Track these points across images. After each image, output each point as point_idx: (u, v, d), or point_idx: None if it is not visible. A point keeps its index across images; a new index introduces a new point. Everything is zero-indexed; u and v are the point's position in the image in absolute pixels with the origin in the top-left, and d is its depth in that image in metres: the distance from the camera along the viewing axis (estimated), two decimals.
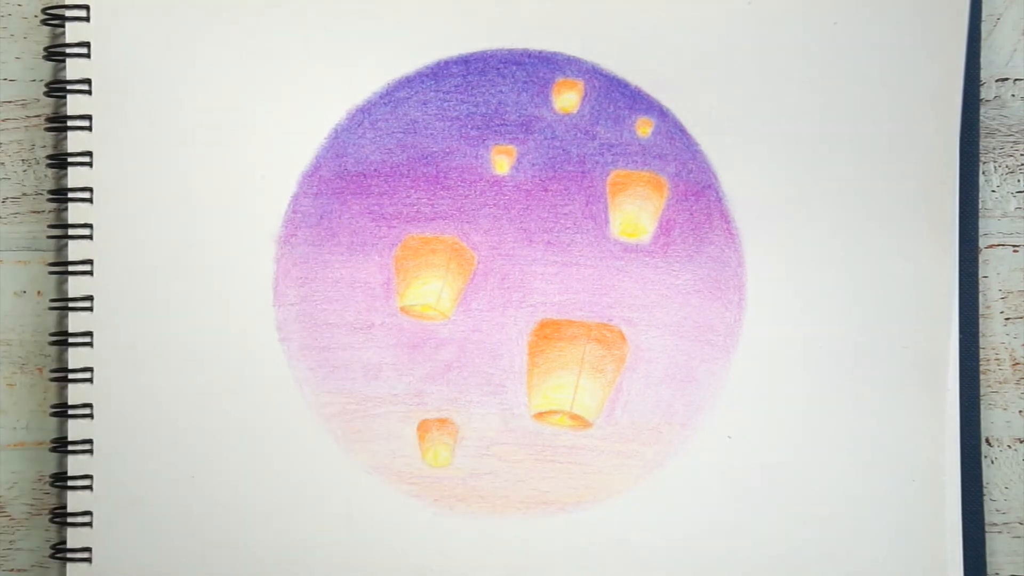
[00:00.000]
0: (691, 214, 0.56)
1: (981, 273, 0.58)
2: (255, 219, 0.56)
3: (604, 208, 0.57)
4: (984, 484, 0.58)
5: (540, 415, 0.56)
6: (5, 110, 0.59)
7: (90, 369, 0.56)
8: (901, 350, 0.57)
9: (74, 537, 0.56)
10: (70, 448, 0.56)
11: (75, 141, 0.56)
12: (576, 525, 0.56)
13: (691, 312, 0.56)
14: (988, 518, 0.58)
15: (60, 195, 0.57)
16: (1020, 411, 0.59)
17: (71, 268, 0.56)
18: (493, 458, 0.56)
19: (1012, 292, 0.59)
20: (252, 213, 0.56)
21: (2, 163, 0.59)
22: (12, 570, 0.59)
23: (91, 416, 0.56)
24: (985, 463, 0.58)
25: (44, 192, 0.58)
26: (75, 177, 0.56)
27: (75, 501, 0.56)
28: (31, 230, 0.59)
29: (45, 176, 0.59)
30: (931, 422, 0.57)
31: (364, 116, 0.56)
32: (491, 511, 0.56)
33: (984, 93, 0.59)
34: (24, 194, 0.59)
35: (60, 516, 0.57)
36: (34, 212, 0.59)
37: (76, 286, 0.56)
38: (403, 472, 0.56)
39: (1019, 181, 0.59)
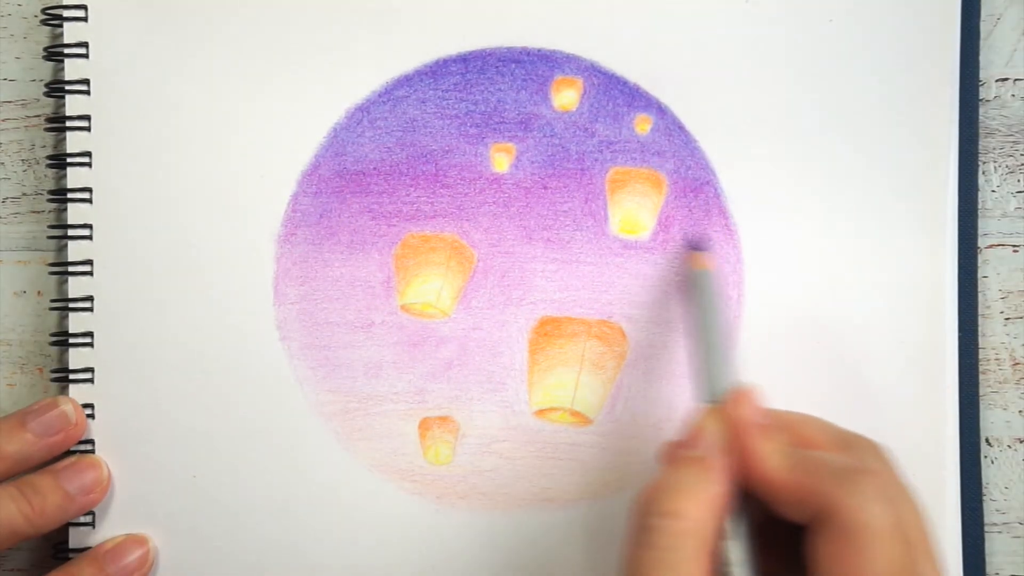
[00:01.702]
0: (690, 210, 0.57)
1: (981, 273, 0.58)
2: (255, 218, 0.56)
3: (603, 205, 0.57)
4: (984, 484, 0.58)
5: (541, 412, 0.56)
6: (5, 110, 0.59)
7: (91, 369, 0.56)
8: (900, 348, 0.57)
9: (76, 537, 0.56)
10: (72, 448, 0.56)
11: (74, 141, 0.56)
12: (577, 521, 0.56)
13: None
14: (988, 518, 0.58)
15: (59, 195, 0.57)
16: (1020, 411, 0.59)
17: (71, 268, 0.56)
18: (494, 455, 0.56)
19: (1012, 292, 0.59)
20: (251, 212, 0.56)
21: (2, 163, 0.59)
22: (12, 570, 0.59)
23: (92, 416, 0.56)
24: (985, 463, 0.58)
25: (44, 192, 0.58)
26: (74, 177, 0.56)
27: None
28: (31, 230, 0.59)
29: (45, 176, 0.59)
30: (931, 421, 0.57)
31: (363, 115, 0.56)
32: (492, 508, 0.56)
33: (984, 93, 0.59)
34: (24, 194, 0.59)
35: None
36: (34, 212, 0.59)
37: (76, 286, 0.56)
38: (404, 470, 0.56)
39: (1019, 181, 0.59)
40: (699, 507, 0.43)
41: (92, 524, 0.56)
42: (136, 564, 0.55)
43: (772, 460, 0.45)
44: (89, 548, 0.56)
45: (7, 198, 0.59)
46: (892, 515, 0.42)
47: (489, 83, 0.57)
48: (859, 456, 0.46)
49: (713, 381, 0.49)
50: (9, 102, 0.59)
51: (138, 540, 0.56)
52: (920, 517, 0.44)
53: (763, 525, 0.47)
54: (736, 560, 0.45)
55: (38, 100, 0.59)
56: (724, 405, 0.48)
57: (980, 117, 0.58)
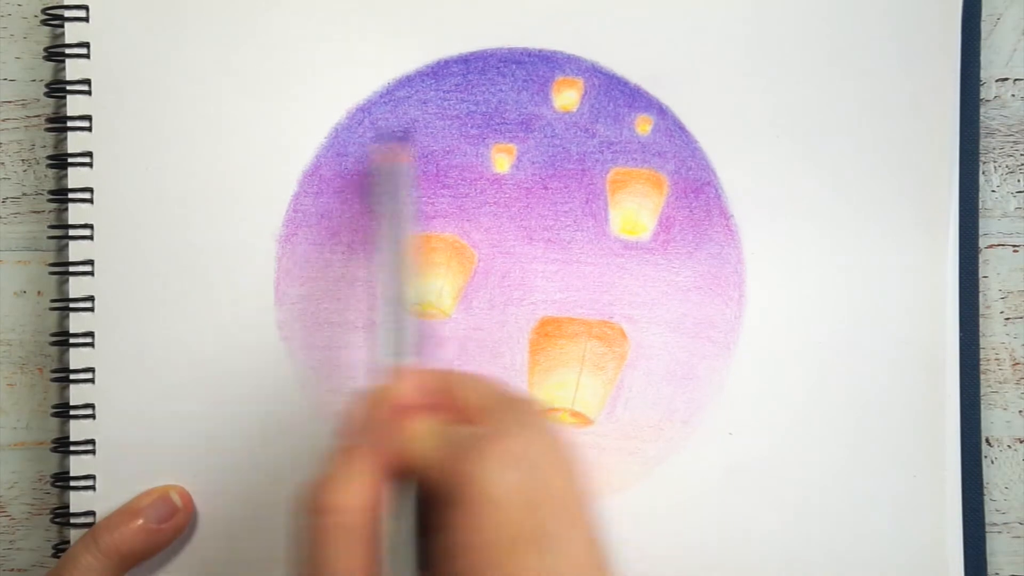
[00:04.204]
0: (691, 211, 0.57)
1: (981, 273, 0.58)
2: (256, 218, 0.56)
3: (604, 206, 0.57)
4: (984, 484, 0.58)
5: None
6: (5, 110, 0.59)
7: (91, 369, 0.56)
8: (901, 348, 0.57)
9: (77, 537, 0.56)
10: (72, 448, 0.56)
11: (75, 141, 0.56)
12: None
13: (691, 309, 0.56)
14: (988, 518, 0.58)
15: (60, 195, 0.57)
16: (1020, 411, 0.59)
17: (72, 268, 0.56)
18: None
19: (1012, 292, 0.59)
20: (253, 212, 0.56)
21: (2, 163, 0.59)
22: (12, 570, 0.59)
23: (93, 416, 0.56)
24: (985, 463, 0.58)
25: (44, 192, 0.58)
26: (75, 177, 0.56)
27: (77, 501, 0.56)
28: (31, 230, 0.59)
29: (45, 176, 0.59)
30: (931, 421, 0.57)
31: (364, 115, 0.56)
32: None
33: (984, 93, 0.59)
34: (24, 194, 0.59)
35: (62, 516, 0.56)
36: (34, 212, 0.59)
37: (77, 286, 0.56)
38: None
39: (1019, 181, 0.59)
40: (353, 498, 0.43)
41: (93, 523, 0.56)
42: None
43: (420, 442, 0.44)
44: None
45: (7, 198, 0.59)
46: (515, 480, 0.41)
47: (490, 84, 0.56)
48: (510, 418, 0.44)
49: (390, 341, 0.48)
50: (9, 102, 0.59)
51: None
52: (562, 477, 0.43)
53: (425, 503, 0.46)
54: (392, 546, 0.43)
55: (38, 100, 0.59)
56: (379, 387, 0.47)
57: (980, 117, 0.58)
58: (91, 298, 0.56)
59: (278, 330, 0.56)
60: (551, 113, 0.57)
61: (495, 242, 0.56)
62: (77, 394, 0.56)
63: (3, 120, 0.59)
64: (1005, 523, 0.59)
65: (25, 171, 0.59)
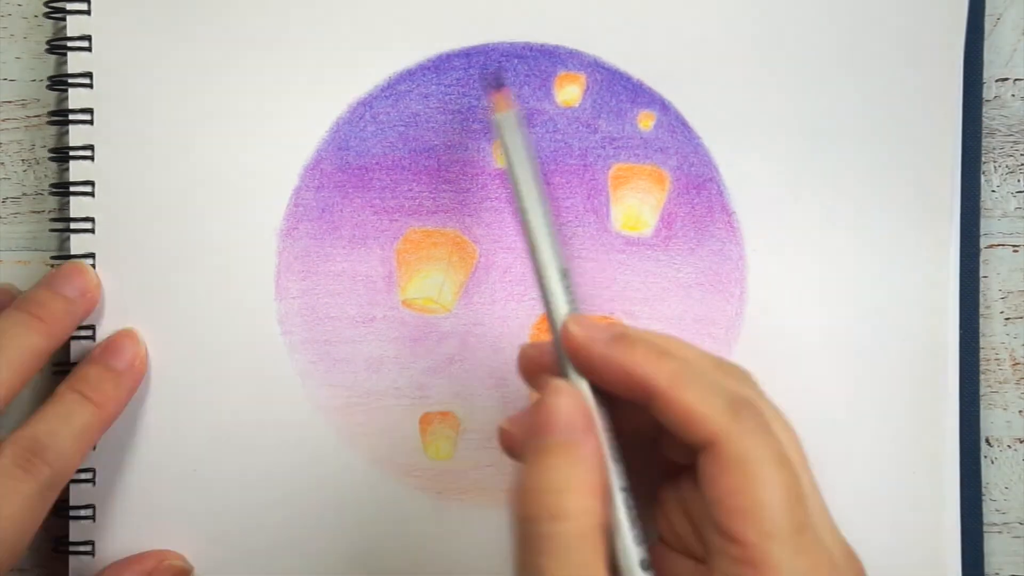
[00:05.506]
0: (693, 208, 0.57)
1: (981, 273, 0.58)
2: (256, 212, 0.56)
3: (606, 202, 0.57)
4: (984, 484, 0.58)
5: None
6: (5, 110, 0.59)
7: None
8: (902, 347, 0.57)
9: (76, 531, 0.56)
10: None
11: (77, 135, 0.56)
12: None
13: (692, 305, 0.56)
14: (987, 518, 0.58)
15: (62, 189, 0.57)
16: (1020, 411, 0.59)
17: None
18: (495, 451, 0.56)
19: (1012, 292, 0.59)
20: (253, 206, 0.56)
21: (2, 163, 0.59)
22: (12, 570, 0.58)
23: None
24: (984, 463, 0.58)
25: (44, 192, 0.58)
26: (77, 171, 0.56)
27: (77, 495, 0.56)
28: (31, 230, 0.59)
29: (45, 176, 0.59)
30: (931, 421, 0.57)
31: (365, 109, 0.56)
32: (493, 504, 0.56)
33: (984, 93, 0.59)
34: (24, 194, 0.59)
35: (62, 510, 0.56)
36: (34, 212, 0.59)
37: None
38: (405, 465, 0.56)
39: (1019, 181, 0.59)
40: (583, 499, 0.41)
41: (92, 518, 0.56)
42: (133, 356, 0.55)
43: (672, 380, 0.42)
44: (92, 541, 0.56)
45: (7, 198, 0.59)
46: (774, 442, 0.41)
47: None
48: (735, 381, 0.44)
49: (558, 297, 0.45)
50: (9, 102, 0.59)
51: (128, 334, 0.56)
52: (795, 437, 0.43)
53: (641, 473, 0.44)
54: (626, 532, 0.42)
55: (38, 100, 0.59)
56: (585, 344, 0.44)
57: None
58: None
59: (279, 324, 0.56)
60: (553, 108, 0.57)
61: (497, 237, 0.57)
62: None
63: (3, 120, 0.59)
64: (1004, 523, 0.59)
65: (25, 171, 0.59)
